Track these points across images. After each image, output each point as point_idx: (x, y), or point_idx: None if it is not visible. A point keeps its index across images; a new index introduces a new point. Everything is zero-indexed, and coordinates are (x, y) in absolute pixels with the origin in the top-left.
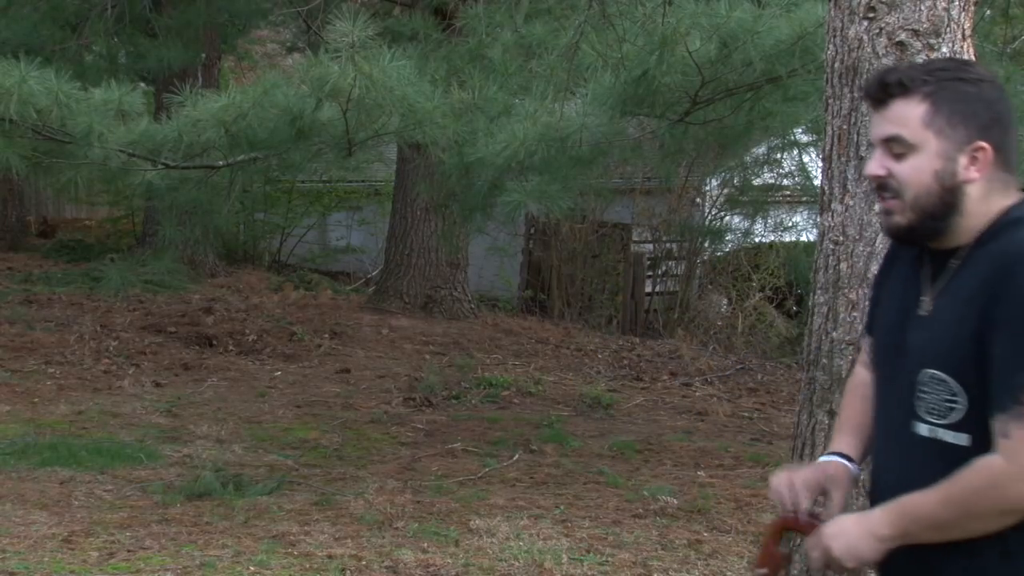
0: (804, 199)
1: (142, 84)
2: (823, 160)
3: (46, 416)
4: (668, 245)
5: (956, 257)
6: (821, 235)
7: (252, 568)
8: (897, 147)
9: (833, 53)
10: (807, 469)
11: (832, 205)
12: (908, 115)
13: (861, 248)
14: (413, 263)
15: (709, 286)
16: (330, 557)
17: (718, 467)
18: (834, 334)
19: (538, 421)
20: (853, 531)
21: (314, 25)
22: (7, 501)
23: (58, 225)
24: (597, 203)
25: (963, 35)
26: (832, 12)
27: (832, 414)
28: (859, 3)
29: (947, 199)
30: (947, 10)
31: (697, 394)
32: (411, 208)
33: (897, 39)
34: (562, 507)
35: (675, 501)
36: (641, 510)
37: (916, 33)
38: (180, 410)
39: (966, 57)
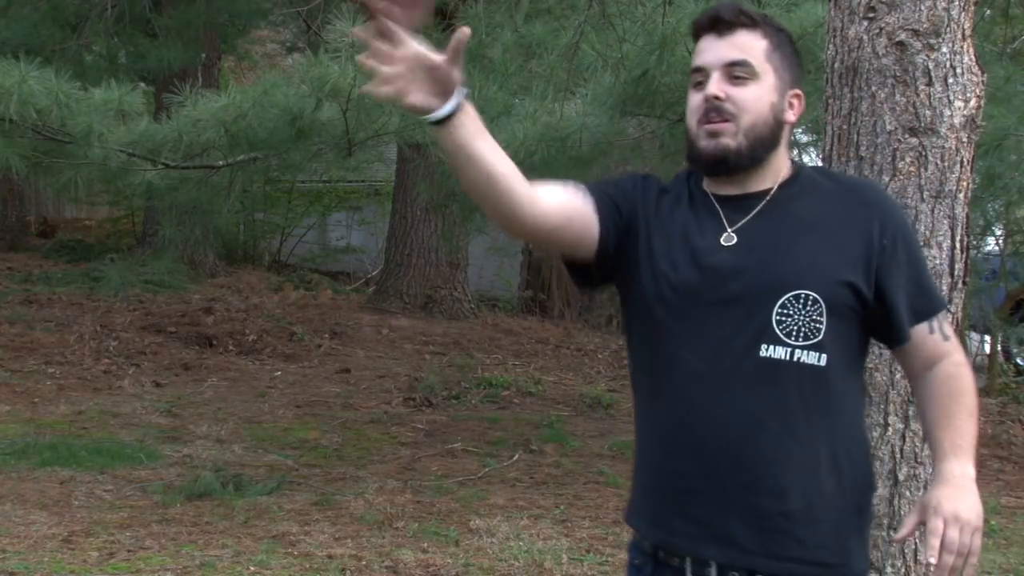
0: None
1: (142, 84)
2: (823, 160)
3: (46, 416)
4: None
5: (759, 200)
6: None
7: (252, 568)
8: (741, 71)
9: (833, 53)
10: None
11: None
12: (754, 45)
13: None
14: (413, 263)
15: None
16: (330, 557)
17: None
18: None
19: (538, 421)
20: (969, 497)
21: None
22: (7, 501)
23: (58, 225)
24: None
25: (963, 35)
26: (832, 12)
27: None
28: (859, 3)
29: (776, 132)
30: (947, 10)
31: None
32: (411, 208)
33: (897, 39)
34: (562, 507)
35: None
36: None
37: (916, 33)
38: (180, 410)
39: (965, 58)
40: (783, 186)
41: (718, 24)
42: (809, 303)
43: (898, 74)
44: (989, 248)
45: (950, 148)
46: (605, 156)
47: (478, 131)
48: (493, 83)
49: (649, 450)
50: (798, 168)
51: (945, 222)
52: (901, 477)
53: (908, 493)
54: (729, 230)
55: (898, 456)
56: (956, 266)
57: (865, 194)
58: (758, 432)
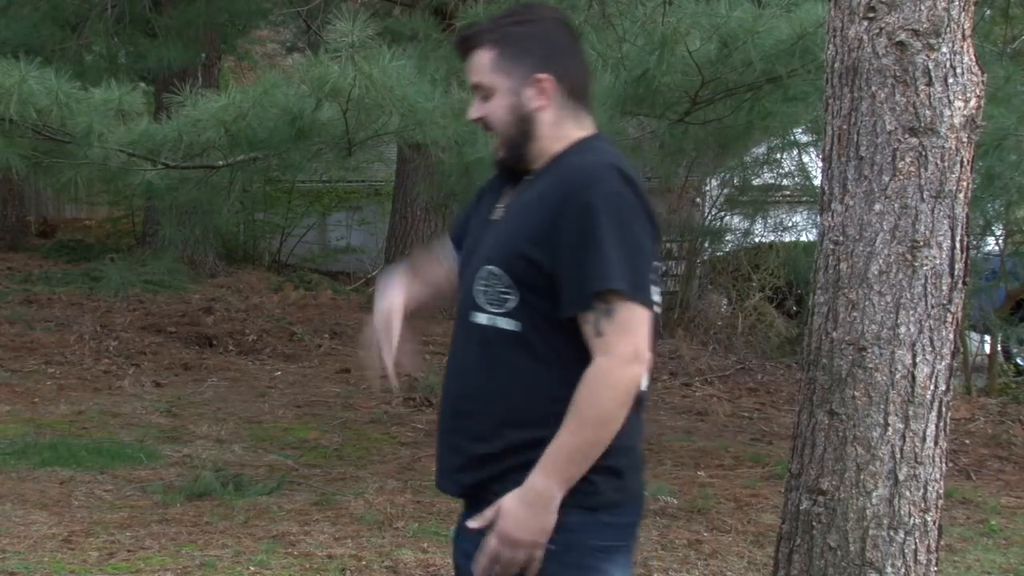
0: (804, 199)
1: (142, 84)
2: (823, 160)
3: (46, 416)
4: (668, 245)
5: (531, 175)
6: (821, 235)
7: (252, 568)
8: (481, 92)
9: (833, 53)
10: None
11: (832, 205)
12: (482, 63)
13: (861, 248)
14: None
15: (709, 286)
16: (330, 557)
17: (718, 467)
18: (834, 334)
19: None
20: (522, 510)
21: (314, 25)
22: (7, 501)
23: (58, 225)
24: None
25: (963, 35)
26: (832, 12)
27: (832, 414)
28: (859, 3)
29: (523, 128)
30: (947, 10)
31: (697, 394)
32: (411, 208)
33: (897, 39)
34: None
35: (675, 501)
36: None
37: (916, 33)
38: (180, 410)
39: (965, 58)
40: (538, 169)
41: (458, 51)
42: (494, 276)
43: (898, 74)
44: (989, 248)
45: (950, 148)
46: None
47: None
48: None
49: None
50: (566, 149)
51: (945, 222)
52: (901, 477)
53: (908, 493)
54: (499, 207)
55: (898, 456)
56: (956, 266)
57: (570, 173)
58: (469, 385)
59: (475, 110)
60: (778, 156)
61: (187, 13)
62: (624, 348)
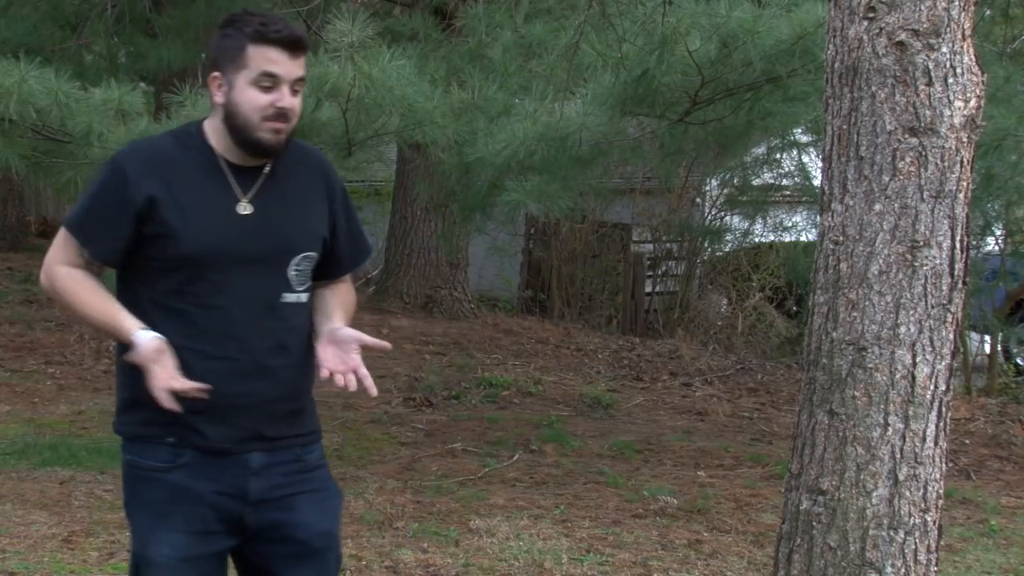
0: (804, 199)
1: (142, 84)
2: (823, 160)
3: (46, 416)
4: (668, 245)
5: (264, 168)
6: (821, 235)
7: None
8: (299, 86)
9: (833, 53)
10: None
11: (832, 205)
12: (304, 64)
13: (861, 248)
14: (413, 263)
15: (709, 286)
16: None
17: (718, 467)
18: (834, 334)
19: (538, 421)
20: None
21: (314, 25)
22: (7, 501)
23: (58, 225)
24: (597, 203)
25: (963, 35)
26: (832, 12)
27: (832, 414)
28: (859, 3)
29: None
30: (947, 10)
31: (697, 394)
32: (411, 208)
33: (897, 39)
34: (562, 507)
35: (675, 501)
36: (641, 510)
37: (916, 33)
38: None
39: (965, 58)
40: (276, 161)
41: (293, 46)
42: (307, 260)
43: (898, 74)
44: (989, 248)
45: (950, 148)
46: (605, 156)
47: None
48: (493, 83)
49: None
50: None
51: (945, 222)
52: (901, 477)
53: (908, 493)
54: (244, 199)
55: (898, 456)
56: (956, 266)
57: (319, 158)
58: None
59: (291, 102)
60: (778, 156)
61: (187, 13)
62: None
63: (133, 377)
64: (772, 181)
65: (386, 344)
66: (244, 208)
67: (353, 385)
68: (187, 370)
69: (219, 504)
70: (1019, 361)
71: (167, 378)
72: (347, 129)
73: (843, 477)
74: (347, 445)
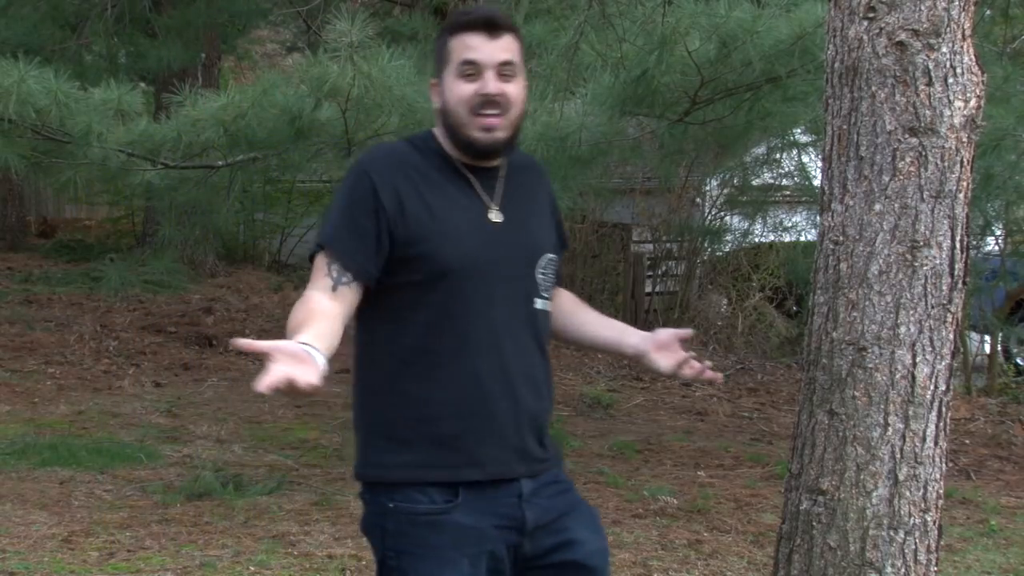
0: (804, 199)
1: (142, 84)
2: (823, 160)
3: (46, 416)
4: (668, 245)
5: (500, 171)
6: (821, 235)
7: (252, 568)
8: (509, 70)
9: (833, 53)
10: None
11: (832, 205)
12: (515, 47)
13: (861, 248)
14: None
15: (709, 286)
16: (330, 557)
17: (718, 467)
18: (834, 334)
19: None
20: None
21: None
22: (7, 501)
23: (58, 225)
24: (597, 203)
25: (963, 35)
26: (832, 12)
27: (832, 414)
28: (859, 3)
29: (523, 118)
30: (947, 10)
31: (697, 394)
32: None
33: (897, 39)
34: None
35: (675, 501)
36: (641, 510)
37: (916, 33)
38: (180, 410)
39: (965, 58)
40: (504, 159)
41: (492, 27)
42: (552, 263)
43: (898, 74)
44: (989, 248)
45: (950, 148)
46: (605, 156)
47: (329, 348)
48: None
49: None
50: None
51: (945, 222)
52: (901, 477)
53: (908, 493)
54: (494, 207)
55: (898, 456)
56: (956, 266)
57: (536, 164)
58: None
59: (497, 86)
60: (778, 156)
61: (187, 13)
62: None
63: (394, 409)
64: (772, 181)
65: (688, 331)
66: (496, 215)
67: (709, 373)
68: (456, 390)
69: (502, 539)
70: (1019, 361)
71: (291, 370)
72: (347, 129)
73: (843, 477)
74: (347, 445)
